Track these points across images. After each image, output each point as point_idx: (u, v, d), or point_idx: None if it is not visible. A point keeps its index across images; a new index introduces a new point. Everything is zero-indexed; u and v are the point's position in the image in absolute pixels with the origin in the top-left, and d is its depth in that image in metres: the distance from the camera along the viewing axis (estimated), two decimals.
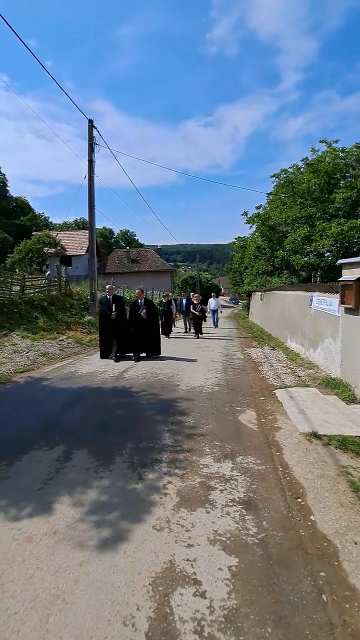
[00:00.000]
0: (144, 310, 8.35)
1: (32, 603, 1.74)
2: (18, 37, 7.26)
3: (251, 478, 2.96)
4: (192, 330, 13.90)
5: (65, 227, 44.04)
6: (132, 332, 8.30)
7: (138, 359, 8.20)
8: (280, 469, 3.15)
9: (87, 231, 21.86)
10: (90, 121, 11.32)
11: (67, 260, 31.48)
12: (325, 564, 2.02)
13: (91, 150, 11.53)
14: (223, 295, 78.87)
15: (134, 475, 3.01)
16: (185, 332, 14.33)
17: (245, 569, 1.98)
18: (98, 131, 11.54)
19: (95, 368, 7.35)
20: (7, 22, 6.64)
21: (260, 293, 17.60)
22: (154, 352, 8.66)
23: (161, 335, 11.02)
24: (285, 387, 5.79)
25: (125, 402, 5.07)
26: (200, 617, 1.67)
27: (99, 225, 55.31)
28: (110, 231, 59.55)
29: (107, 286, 9.05)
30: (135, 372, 7.03)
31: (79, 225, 42.34)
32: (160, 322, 11.94)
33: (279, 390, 5.66)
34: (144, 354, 8.58)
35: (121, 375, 6.77)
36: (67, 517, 2.42)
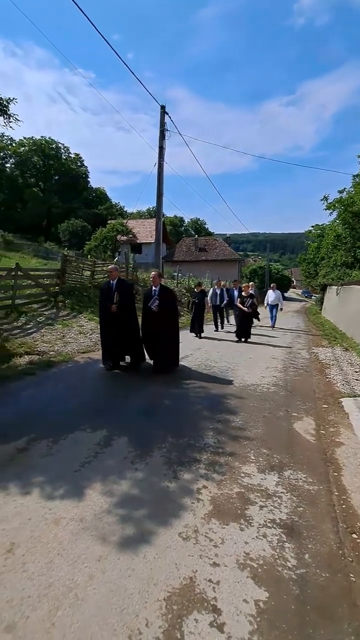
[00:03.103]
0: (157, 302, 5.90)
1: (46, 590, 1.73)
2: (100, 33, 7.42)
3: (298, 498, 2.61)
4: (220, 328, 11.49)
5: (138, 215, 45.73)
6: (143, 331, 6.16)
7: (156, 370, 5.98)
8: (336, 493, 2.72)
9: None
10: (163, 107, 11.26)
11: (137, 247, 32.76)
12: None
13: (162, 137, 11.51)
14: (295, 288, 74.20)
15: (169, 472, 2.88)
16: (216, 330, 11.43)
17: (276, 608, 1.70)
18: (170, 117, 11.46)
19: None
20: (90, 21, 6.81)
21: (336, 287, 15.95)
22: (167, 363, 6.04)
23: (192, 334, 9.71)
24: (355, 397, 5.09)
25: (174, 393, 4.98)
26: None
27: (170, 213, 56.17)
28: (181, 219, 60.09)
29: (111, 266, 6.55)
30: (188, 361, 6.91)
31: (151, 214, 43.51)
32: (190, 316, 10.22)
33: (347, 399, 4.99)
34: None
35: None
36: (95, 505, 2.40)
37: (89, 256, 15.92)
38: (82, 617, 1.61)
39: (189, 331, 10.05)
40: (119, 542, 2.08)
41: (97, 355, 6.72)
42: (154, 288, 6.09)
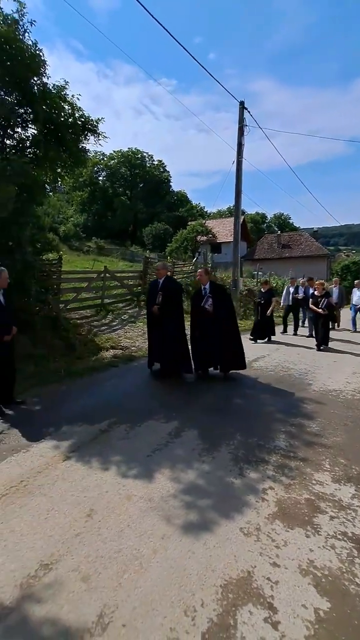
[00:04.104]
0: (210, 301, 5.37)
1: (116, 554, 1.96)
2: (177, 41, 7.75)
3: None
4: (293, 332, 9.98)
5: (218, 215, 45.80)
6: (194, 336, 5.51)
7: (203, 374, 5.52)
8: None
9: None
10: (241, 103, 11.10)
11: (217, 247, 32.87)
12: None
13: (241, 133, 11.35)
14: None
15: (235, 469, 2.91)
16: (284, 332, 10.04)
17: (337, 620, 1.61)
18: (249, 112, 11.22)
19: None
20: (167, 31, 7.17)
21: None
22: (231, 366, 5.47)
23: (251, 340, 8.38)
24: None
25: (247, 393, 4.93)
26: None
27: (251, 210, 54.71)
28: (263, 216, 57.97)
29: (158, 264, 6.08)
30: (265, 362, 6.73)
31: (231, 213, 43.14)
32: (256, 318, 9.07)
33: None
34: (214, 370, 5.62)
35: (250, 364, 6.60)
36: (163, 489, 2.59)
37: (169, 257, 16.66)
38: (144, 584, 1.78)
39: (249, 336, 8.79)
40: (182, 526, 2.21)
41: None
42: (203, 287, 5.56)
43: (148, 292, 5.69)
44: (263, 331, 8.79)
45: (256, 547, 2.05)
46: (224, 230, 32.72)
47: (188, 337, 5.65)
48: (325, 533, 2.19)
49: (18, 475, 2.73)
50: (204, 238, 28.59)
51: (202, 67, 8.90)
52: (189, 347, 5.57)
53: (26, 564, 1.89)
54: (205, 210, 47.13)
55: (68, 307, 8.56)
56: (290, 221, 60.69)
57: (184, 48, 8.19)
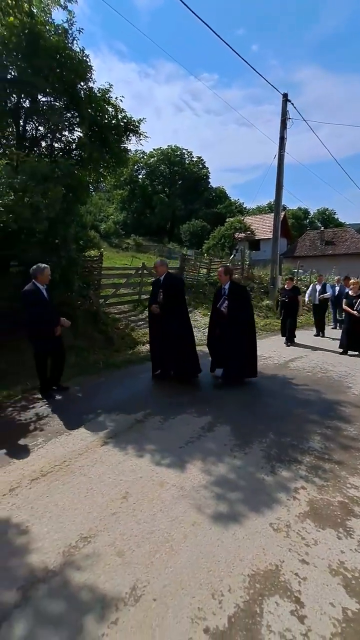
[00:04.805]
0: (226, 303, 4.99)
1: (148, 535, 2.08)
2: (220, 37, 7.70)
3: None
4: (321, 334, 9.39)
5: (257, 211, 44.78)
6: (214, 334, 5.31)
7: (226, 377, 5.12)
8: None
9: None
10: (285, 95, 10.75)
11: (255, 244, 32.18)
12: None
13: (283, 126, 11.02)
14: None
15: (267, 466, 2.91)
16: (317, 335, 9.46)
17: None
18: (293, 104, 10.86)
19: (261, 352, 7.34)
20: (209, 26, 7.16)
21: None
22: (238, 372, 5.06)
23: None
24: None
25: (281, 393, 4.86)
26: (290, 638, 1.51)
27: (293, 206, 52.77)
28: (305, 212, 55.68)
29: (157, 260, 5.62)
30: (302, 362, 6.56)
31: (271, 209, 41.98)
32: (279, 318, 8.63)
33: None
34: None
35: (286, 364, 6.50)
36: (194, 479, 2.67)
37: (206, 255, 16.66)
38: (175, 565, 1.88)
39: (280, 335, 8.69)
40: (212, 515, 2.28)
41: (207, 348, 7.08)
42: (223, 287, 5.21)
43: (152, 289, 5.30)
44: (290, 332, 8.33)
45: (285, 543, 2.07)
46: (263, 227, 31.94)
47: (199, 336, 5.43)
48: (358, 537, 2.14)
49: (61, 455, 2.96)
50: (242, 235, 28.13)
51: (245, 61, 8.81)
52: (196, 346, 5.20)
53: (68, 535, 2.08)
54: (244, 206, 46.27)
55: (107, 302, 8.92)
56: (335, 217, 57.69)
57: (226, 44, 8.17)
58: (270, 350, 7.62)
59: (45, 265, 4.32)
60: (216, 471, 2.79)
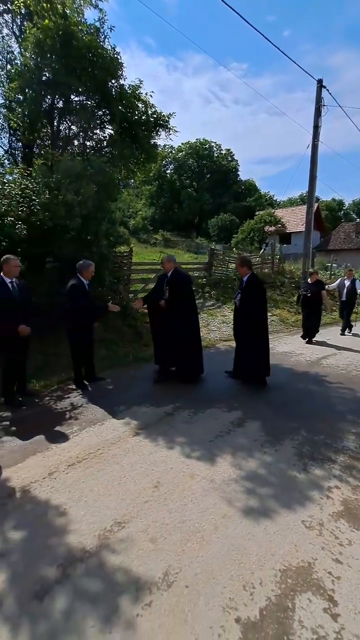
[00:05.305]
0: (239, 297, 4.90)
1: (180, 524, 2.13)
2: (250, 24, 7.49)
3: None
4: (348, 332, 8.85)
5: (289, 203, 43.39)
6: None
7: (238, 374, 4.95)
8: None
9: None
10: (319, 81, 10.27)
11: (286, 237, 31.27)
12: None
13: (317, 114, 10.55)
14: None
15: (299, 464, 2.87)
16: (342, 334, 8.89)
17: None
18: (328, 90, 10.35)
19: (292, 349, 7.21)
20: (239, 14, 6.98)
21: None
22: (244, 372, 4.88)
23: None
24: None
25: (314, 390, 4.74)
26: (322, 635, 1.50)
27: (326, 197, 50.59)
28: (340, 203, 53.15)
29: (163, 256, 5.37)
30: (335, 360, 6.34)
31: (303, 200, 40.49)
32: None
33: None
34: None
35: (318, 361, 6.31)
36: (225, 473, 2.69)
37: (234, 249, 16.43)
38: (205, 555, 1.91)
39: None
40: (243, 509, 2.29)
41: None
42: (242, 279, 5.00)
43: (157, 283, 5.13)
44: (309, 330, 7.81)
45: (318, 541, 2.04)
46: (294, 219, 30.95)
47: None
48: None
49: (95, 443, 3.08)
50: (272, 228, 27.40)
51: (277, 47, 8.48)
52: (201, 344, 5.09)
53: (103, 519, 2.17)
54: (274, 199, 44.99)
55: (137, 296, 9.06)
56: None
57: (257, 31, 7.90)
58: (302, 347, 7.43)
59: (91, 262, 4.53)
60: (246, 466, 2.79)
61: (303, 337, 7.94)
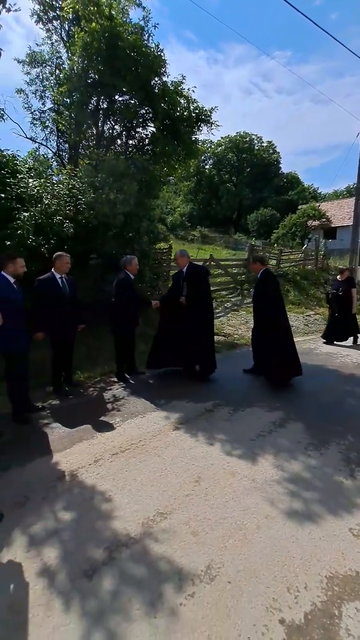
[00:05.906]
0: (253, 292, 5.02)
1: (221, 520, 2.13)
2: (293, 6, 7.15)
3: None
4: None
5: (334, 196, 41.12)
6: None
7: (258, 371, 4.88)
8: None
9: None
10: None
11: (331, 232, 29.70)
12: None
13: None
14: None
15: (346, 469, 2.74)
16: None
17: None
18: None
19: (337, 350, 6.88)
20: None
21: None
22: (264, 369, 4.74)
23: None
24: None
25: None
26: None
27: None
28: None
29: (176, 252, 5.09)
30: None
31: (351, 193, 38.15)
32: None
33: None
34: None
35: None
36: (266, 473, 2.64)
37: (275, 245, 15.94)
38: (248, 553, 1.90)
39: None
40: (286, 511, 2.24)
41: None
42: (257, 276, 4.92)
43: (172, 282, 5.05)
44: (343, 330, 7.30)
45: None
46: (340, 213, 29.27)
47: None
48: None
49: (137, 435, 3.18)
50: (316, 223, 26.16)
51: (325, 31, 7.99)
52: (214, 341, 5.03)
53: (146, 508, 2.24)
54: (319, 191, 42.90)
55: None
56: None
57: (304, 15, 7.49)
58: (347, 348, 7.06)
59: (133, 256, 4.70)
60: (289, 468, 2.72)
61: (324, 336, 7.48)
